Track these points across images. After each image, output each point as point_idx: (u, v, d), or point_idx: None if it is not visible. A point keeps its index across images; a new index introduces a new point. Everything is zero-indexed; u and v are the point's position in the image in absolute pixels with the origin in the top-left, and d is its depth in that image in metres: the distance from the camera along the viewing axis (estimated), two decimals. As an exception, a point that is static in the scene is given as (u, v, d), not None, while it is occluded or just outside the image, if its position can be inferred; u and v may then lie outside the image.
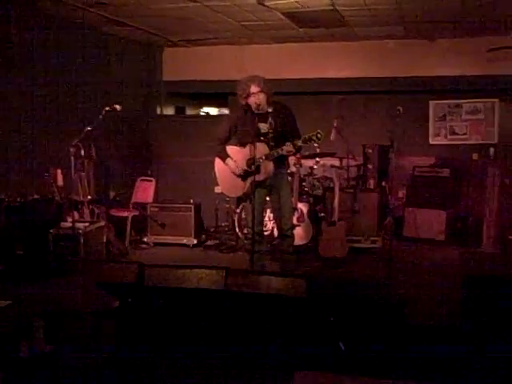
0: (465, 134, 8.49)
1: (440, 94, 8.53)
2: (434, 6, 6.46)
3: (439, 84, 8.38)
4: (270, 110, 5.32)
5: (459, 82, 8.28)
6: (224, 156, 5.56)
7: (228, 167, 5.54)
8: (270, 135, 5.33)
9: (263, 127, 5.36)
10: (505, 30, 7.56)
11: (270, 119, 5.33)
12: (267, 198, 5.78)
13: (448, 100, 8.54)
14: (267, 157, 5.32)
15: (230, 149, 5.59)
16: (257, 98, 5.32)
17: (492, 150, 7.51)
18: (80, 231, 5.76)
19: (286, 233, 5.68)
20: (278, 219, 5.75)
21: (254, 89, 5.31)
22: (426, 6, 6.44)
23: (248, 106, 5.43)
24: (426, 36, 8.08)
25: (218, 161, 5.65)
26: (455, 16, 6.91)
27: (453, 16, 6.92)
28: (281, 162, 5.54)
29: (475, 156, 8.23)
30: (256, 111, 5.35)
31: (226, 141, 5.63)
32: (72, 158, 5.76)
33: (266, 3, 6.41)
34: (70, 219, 5.89)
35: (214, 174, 5.73)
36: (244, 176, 5.50)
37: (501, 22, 7.14)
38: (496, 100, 8.34)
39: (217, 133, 5.64)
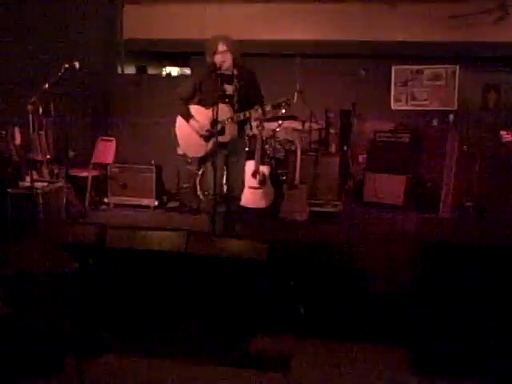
0: (425, 99, 8.55)
1: (402, 59, 8.55)
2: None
3: (401, 49, 8.40)
4: (235, 73, 5.30)
5: (421, 47, 8.32)
6: (187, 116, 5.48)
7: (192, 127, 5.48)
8: (235, 97, 5.30)
9: (228, 89, 5.30)
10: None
11: (235, 81, 5.30)
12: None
13: (410, 66, 8.59)
14: (233, 119, 5.30)
15: (193, 108, 5.51)
16: (223, 56, 5.26)
17: (452, 116, 7.57)
18: (39, 191, 5.64)
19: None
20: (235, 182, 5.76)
21: (221, 47, 5.24)
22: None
23: (214, 65, 5.36)
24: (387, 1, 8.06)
25: (180, 120, 5.57)
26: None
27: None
28: (242, 126, 5.53)
29: (435, 122, 8.31)
30: (220, 71, 5.30)
31: (189, 100, 5.56)
32: (30, 115, 5.66)
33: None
34: (28, 179, 5.78)
35: (175, 133, 5.66)
36: (208, 137, 5.46)
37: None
38: (457, 66, 8.41)
39: (180, 91, 5.55)
